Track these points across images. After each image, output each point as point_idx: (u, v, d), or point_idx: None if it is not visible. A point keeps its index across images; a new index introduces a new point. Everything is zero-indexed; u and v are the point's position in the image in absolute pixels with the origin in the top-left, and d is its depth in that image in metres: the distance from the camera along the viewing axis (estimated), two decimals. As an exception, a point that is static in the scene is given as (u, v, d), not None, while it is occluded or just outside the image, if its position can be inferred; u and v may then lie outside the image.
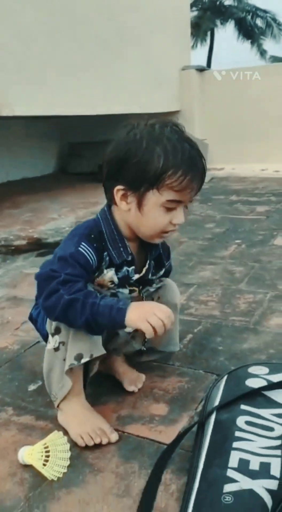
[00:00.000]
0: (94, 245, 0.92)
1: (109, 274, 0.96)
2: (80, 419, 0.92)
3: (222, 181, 4.08)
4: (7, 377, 1.17)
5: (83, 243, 0.91)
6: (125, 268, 0.97)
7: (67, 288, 0.86)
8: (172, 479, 0.79)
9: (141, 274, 1.01)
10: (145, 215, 0.91)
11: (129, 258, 0.97)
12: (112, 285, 0.97)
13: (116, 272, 0.97)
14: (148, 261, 1.02)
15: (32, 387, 1.11)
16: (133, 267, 0.98)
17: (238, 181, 3.95)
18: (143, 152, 0.87)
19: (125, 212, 0.93)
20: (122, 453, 0.86)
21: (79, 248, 0.90)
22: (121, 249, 0.95)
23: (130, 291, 1.01)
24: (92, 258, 0.92)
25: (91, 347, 0.90)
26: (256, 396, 0.87)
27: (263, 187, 3.62)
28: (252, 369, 0.99)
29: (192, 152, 0.89)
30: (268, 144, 4.24)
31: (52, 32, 2.86)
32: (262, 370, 0.99)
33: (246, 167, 4.35)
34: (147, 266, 1.01)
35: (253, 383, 0.92)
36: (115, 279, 0.97)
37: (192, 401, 1.00)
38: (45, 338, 1.00)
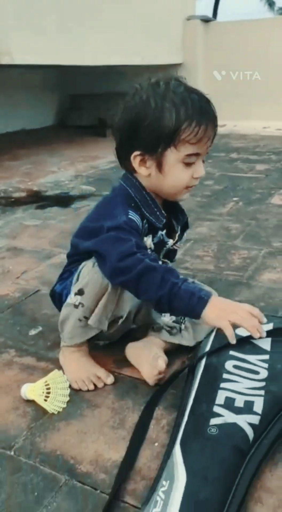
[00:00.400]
0: (138, 213, 0.92)
1: (148, 242, 0.97)
2: (78, 365, 0.97)
3: (223, 138, 4.04)
4: (9, 322, 1.22)
5: (130, 211, 0.90)
6: (160, 232, 0.98)
7: (144, 253, 0.84)
8: (163, 415, 0.85)
9: (175, 240, 1.02)
10: (166, 175, 0.90)
11: (165, 220, 0.97)
12: (151, 247, 0.97)
13: (153, 237, 0.97)
14: (177, 227, 1.02)
15: (33, 332, 1.17)
16: (165, 231, 0.99)
17: (239, 139, 3.91)
18: (153, 112, 0.86)
19: (146, 177, 0.92)
20: (118, 392, 0.93)
21: (130, 216, 0.90)
22: (158, 213, 0.95)
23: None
24: (141, 226, 0.92)
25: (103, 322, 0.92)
26: (245, 344, 0.92)
27: (264, 145, 3.60)
28: None
29: (202, 100, 0.88)
30: (272, 101, 4.17)
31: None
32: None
33: (248, 124, 4.29)
34: (178, 231, 1.02)
35: (242, 332, 0.97)
36: (152, 246, 0.97)
37: (184, 350, 1.05)
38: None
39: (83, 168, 3.03)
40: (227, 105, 4.39)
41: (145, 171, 0.91)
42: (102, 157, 3.32)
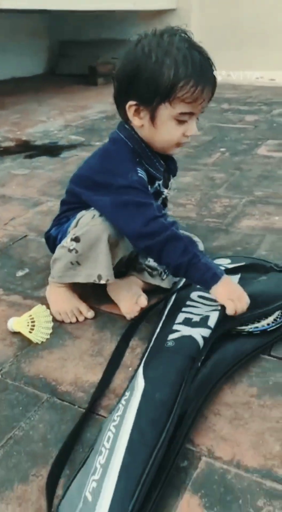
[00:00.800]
0: (143, 167, 0.95)
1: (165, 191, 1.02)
2: (62, 299, 1.04)
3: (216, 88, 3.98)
4: (-3, 264, 1.29)
5: (138, 169, 0.93)
6: (157, 183, 1.02)
7: (165, 218, 0.90)
8: (138, 344, 0.93)
9: (168, 189, 1.06)
10: (158, 129, 0.92)
11: (163, 169, 1.00)
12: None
13: (152, 185, 1.00)
14: (170, 176, 1.06)
15: (20, 273, 1.23)
16: (162, 180, 1.03)
17: (231, 89, 3.86)
18: (153, 65, 0.87)
19: (139, 128, 0.95)
20: (97, 325, 1.00)
21: (139, 174, 0.93)
22: (157, 164, 0.98)
23: None
24: (145, 179, 0.95)
25: (100, 272, 0.96)
26: None
27: (256, 96, 3.56)
28: (216, 261, 1.11)
29: (203, 61, 0.88)
30: (266, 51, 4.07)
31: None
32: (225, 261, 1.12)
33: (241, 74, 4.22)
34: (171, 179, 1.06)
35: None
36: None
37: (162, 291, 1.11)
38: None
39: (72, 118, 3.01)
40: (220, 54, 4.30)
41: (138, 122, 0.93)
42: (92, 107, 3.29)
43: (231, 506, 0.61)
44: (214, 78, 0.91)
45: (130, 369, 0.87)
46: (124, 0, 3.56)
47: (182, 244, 0.89)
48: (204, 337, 0.81)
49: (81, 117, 3.03)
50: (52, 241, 1.12)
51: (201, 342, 0.80)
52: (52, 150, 2.35)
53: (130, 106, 0.92)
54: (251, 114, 2.95)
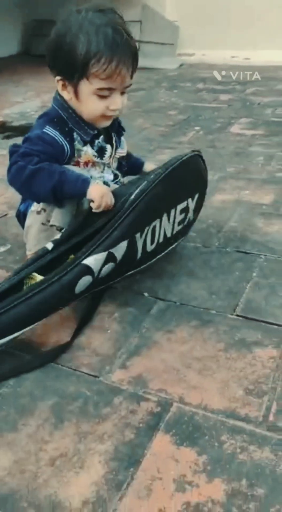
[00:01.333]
0: (58, 127, 1.00)
1: (89, 151, 1.06)
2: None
3: (191, 67, 4.02)
4: (-21, 241, 1.33)
5: (47, 126, 1.00)
6: (96, 141, 1.06)
7: (27, 161, 0.94)
8: (114, 308, 1.01)
9: (113, 145, 1.09)
10: (82, 103, 0.98)
11: (96, 132, 1.05)
12: (98, 159, 1.07)
13: (91, 147, 1.06)
14: (112, 134, 1.10)
15: (2, 249, 1.28)
16: (102, 136, 1.07)
17: (207, 68, 3.89)
18: (69, 41, 0.92)
19: (69, 100, 1.00)
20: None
21: (44, 130, 0.99)
22: (86, 127, 1.03)
23: (115, 177, 1.11)
24: (60, 139, 1.00)
25: (64, 220, 1.01)
26: None
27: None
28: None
29: (117, 37, 0.91)
30: (241, 30, 4.10)
31: None
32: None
33: (216, 54, 4.24)
34: (113, 137, 1.10)
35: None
36: (95, 153, 1.06)
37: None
38: None
39: (48, 98, 2.97)
40: (196, 33, 4.32)
41: (66, 95, 1.00)
42: (69, 87, 3.29)
43: (198, 441, 0.69)
44: (132, 53, 0.94)
45: (109, 331, 0.94)
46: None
47: (44, 171, 0.93)
48: None
49: (58, 97, 3.03)
50: (22, 218, 1.16)
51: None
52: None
53: (58, 80, 0.99)
54: (226, 93, 3.00)
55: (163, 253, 1.11)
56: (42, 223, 1.04)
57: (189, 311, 0.99)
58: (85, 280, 0.92)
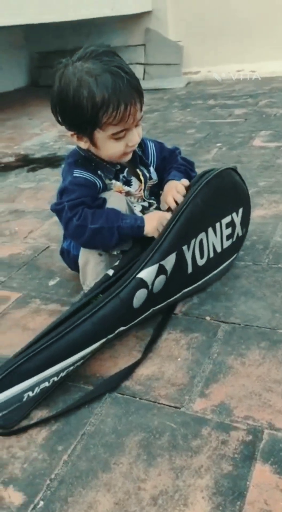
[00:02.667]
0: (84, 168, 1.04)
1: (117, 183, 1.10)
2: None
3: (199, 85, 4.06)
4: (27, 276, 1.33)
5: (75, 170, 1.04)
6: (121, 175, 1.10)
7: (78, 215, 0.99)
8: (181, 336, 1.00)
9: (142, 180, 1.12)
10: (101, 149, 1.01)
11: (119, 167, 1.08)
12: (127, 190, 1.11)
13: (117, 180, 1.10)
14: (138, 169, 1.12)
15: (52, 283, 1.28)
16: (126, 169, 1.10)
17: (214, 84, 3.94)
18: (73, 100, 0.94)
19: (87, 147, 1.03)
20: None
21: (74, 174, 1.03)
22: (108, 165, 1.07)
23: (149, 205, 1.14)
24: (91, 177, 1.04)
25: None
26: None
27: (240, 89, 3.64)
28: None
29: (117, 80, 0.92)
30: (245, 44, 4.15)
31: None
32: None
33: (222, 69, 4.29)
34: (139, 171, 1.12)
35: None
36: (124, 187, 1.10)
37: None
38: (74, 263, 1.15)
39: (64, 128, 3.05)
40: (199, 51, 4.39)
41: (83, 145, 1.03)
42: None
43: (301, 469, 0.68)
44: (135, 91, 0.95)
45: (179, 359, 0.93)
46: (102, 6, 3.62)
47: (104, 230, 0.99)
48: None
49: (74, 126, 3.07)
50: (66, 255, 1.21)
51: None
52: (53, 161, 2.40)
53: (72, 134, 1.03)
54: (239, 108, 3.02)
55: (218, 270, 1.13)
56: (99, 254, 1.05)
57: (255, 332, 0.98)
58: (141, 293, 0.95)
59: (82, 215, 1.00)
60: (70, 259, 1.20)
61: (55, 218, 1.69)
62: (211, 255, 1.09)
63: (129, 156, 1.07)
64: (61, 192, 1.04)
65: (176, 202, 1.03)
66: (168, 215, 1.02)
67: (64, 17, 3.31)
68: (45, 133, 3.00)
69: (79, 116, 0.95)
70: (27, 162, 2.44)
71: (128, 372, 0.91)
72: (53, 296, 1.22)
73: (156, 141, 1.21)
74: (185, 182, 1.06)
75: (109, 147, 1.01)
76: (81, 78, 0.93)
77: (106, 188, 1.08)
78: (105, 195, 1.07)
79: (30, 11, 2.85)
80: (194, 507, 0.64)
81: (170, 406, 0.82)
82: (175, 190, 1.05)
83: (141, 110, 1.00)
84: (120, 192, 1.11)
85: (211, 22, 4.22)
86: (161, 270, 0.98)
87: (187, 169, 1.17)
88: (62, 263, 1.36)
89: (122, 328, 0.96)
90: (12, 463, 0.75)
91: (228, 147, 2.26)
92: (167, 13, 4.27)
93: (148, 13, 4.25)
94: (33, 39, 4.71)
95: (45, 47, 4.70)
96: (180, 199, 1.03)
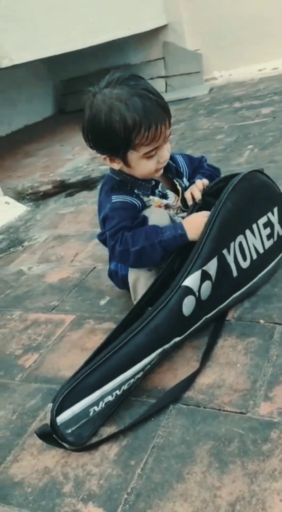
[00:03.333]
0: (121, 191, 1.09)
1: (155, 198, 1.13)
2: None
3: (222, 89, 4.06)
4: (78, 298, 1.37)
5: (112, 196, 1.08)
6: (156, 191, 1.14)
7: (119, 242, 1.04)
8: (238, 342, 1.00)
9: (179, 190, 1.15)
10: (134, 168, 1.06)
11: (153, 183, 1.12)
12: (166, 203, 1.15)
13: (154, 195, 1.13)
14: (174, 181, 1.16)
15: (103, 302, 1.32)
16: (160, 184, 1.14)
17: (238, 87, 3.93)
18: (104, 125, 0.98)
19: (120, 169, 1.08)
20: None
21: (112, 201, 1.07)
22: (143, 183, 1.11)
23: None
24: (129, 199, 1.09)
25: None
26: None
27: (264, 88, 3.62)
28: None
29: (145, 102, 0.96)
30: (263, 42, 4.13)
31: None
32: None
33: (243, 71, 4.28)
34: (176, 182, 1.16)
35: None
36: (162, 201, 1.14)
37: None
38: (123, 282, 1.19)
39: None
40: (218, 56, 4.40)
41: (116, 166, 1.07)
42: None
43: None
44: (163, 110, 1.00)
45: (238, 365, 0.94)
46: (119, 28, 3.70)
47: (146, 249, 1.01)
48: None
49: (104, 147, 3.14)
50: (115, 276, 1.25)
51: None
52: (89, 184, 2.47)
53: (104, 158, 1.06)
54: (266, 107, 3.00)
55: (264, 271, 1.13)
56: (148, 269, 1.08)
57: None
58: (189, 300, 0.97)
59: (123, 240, 1.04)
60: (118, 279, 1.23)
61: (96, 240, 1.74)
62: (254, 256, 1.10)
63: (161, 172, 1.11)
64: (103, 221, 1.09)
65: (193, 197, 1.09)
66: (205, 215, 1.04)
67: (84, 44, 3.41)
68: (78, 157, 3.08)
69: (112, 140, 0.99)
70: (64, 188, 2.52)
71: (188, 382, 0.92)
72: (106, 315, 1.25)
73: (183, 154, 1.25)
74: (205, 181, 1.11)
75: (142, 166, 1.05)
76: (112, 104, 0.97)
77: (145, 205, 1.12)
78: (146, 212, 1.10)
79: (51, 44, 2.96)
80: (273, 511, 0.65)
81: (236, 412, 0.82)
82: (194, 186, 1.11)
83: (170, 126, 1.04)
84: (160, 206, 1.14)
85: (226, 27, 4.22)
86: (205, 276, 0.99)
87: (211, 174, 1.21)
88: (110, 282, 1.41)
89: (177, 339, 0.97)
90: (88, 480, 0.77)
91: (260, 147, 2.25)
92: (183, 25, 4.32)
93: (163, 27, 4.31)
94: (55, 69, 4.87)
95: (67, 74, 4.85)
96: (197, 194, 1.09)
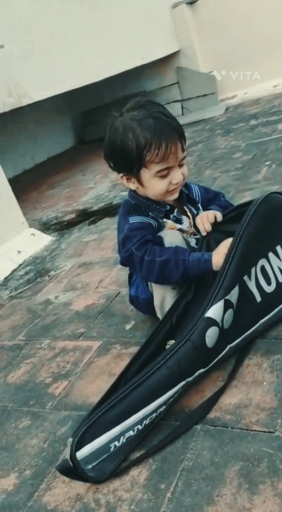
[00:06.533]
0: (137, 213, 1.13)
1: (169, 221, 1.16)
2: None
3: (237, 108, 4.10)
4: (104, 324, 1.40)
5: (129, 218, 1.12)
6: (171, 215, 1.17)
7: (148, 252, 1.06)
8: (263, 360, 1.00)
9: (190, 217, 1.18)
10: (147, 187, 1.10)
11: (168, 207, 1.16)
12: (179, 227, 1.17)
13: (168, 219, 1.16)
14: (185, 207, 1.19)
15: (128, 327, 1.34)
16: (176, 209, 1.17)
17: (253, 105, 3.96)
18: (120, 143, 1.05)
19: (136, 189, 1.13)
20: (218, 353, 1.07)
21: (130, 222, 1.11)
22: (157, 206, 1.15)
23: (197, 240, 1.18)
24: (145, 219, 1.12)
25: None
26: None
27: (280, 103, 3.64)
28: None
29: (158, 123, 1.03)
30: (276, 58, 4.18)
31: (45, 12, 2.94)
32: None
33: (258, 88, 4.32)
34: (187, 209, 1.19)
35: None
36: (176, 225, 1.17)
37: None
38: (146, 306, 1.23)
39: (116, 176, 3.17)
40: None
41: (132, 186, 1.13)
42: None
43: None
44: (176, 132, 1.05)
45: (264, 383, 0.93)
46: (133, 58, 3.82)
47: (171, 261, 1.03)
48: None
49: (124, 173, 3.21)
50: (136, 301, 1.27)
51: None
52: (110, 210, 2.52)
53: (121, 177, 1.12)
54: (282, 122, 3.02)
55: None
56: (172, 288, 1.10)
57: None
58: (212, 331, 0.96)
59: (152, 251, 1.06)
60: (140, 304, 1.25)
61: (120, 265, 1.78)
62: (280, 279, 1.08)
63: (175, 195, 1.14)
64: (123, 242, 1.12)
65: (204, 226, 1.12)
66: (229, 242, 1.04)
67: (100, 77, 3.53)
68: (99, 185, 3.15)
69: (127, 157, 1.05)
70: (87, 216, 2.57)
71: (213, 401, 0.92)
72: (132, 340, 1.26)
73: (199, 185, 1.28)
74: (218, 214, 1.13)
75: (154, 185, 1.09)
76: (127, 124, 1.05)
77: (160, 226, 1.15)
78: (162, 233, 1.13)
79: (68, 79, 3.07)
80: (306, 531, 0.64)
81: (264, 431, 0.82)
82: (206, 215, 1.13)
83: (183, 151, 1.08)
84: (173, 229, 1.16)
85: (238, 46, 4.29)
86: (227, 305, 0.98)
87: (227, 206, 1.23)
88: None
89: (202, 370, 0.96)
90: (120, 505, 0.78)
91: (278, 163, 2.25)
92: (195, 49, 4.41)
93: (176, 53, 4.41)
94: (74, 102, 5.03)
95: (85, 106, 5.00)
96: (207, 226, 1.11)
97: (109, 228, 2.25)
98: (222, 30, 4.32)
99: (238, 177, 2.27)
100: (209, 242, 1.12)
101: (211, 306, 0.96)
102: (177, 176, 1.09)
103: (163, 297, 1.13)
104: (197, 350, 0.94)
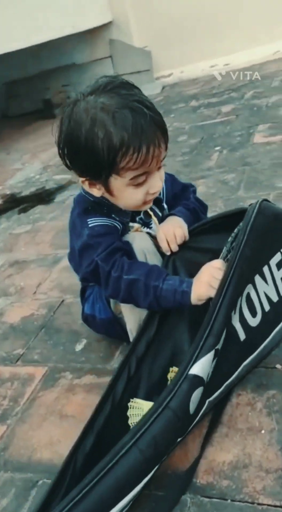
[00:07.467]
0: (97, 213, 0.89)
1: (135, 224, 0.94)
2: None
3: (174, 87, 3.91)
4: (48, 343, 1.15)
5: (88, 220, 0.88)
6: (137, 217, 0.94)
7: (115, 266, 0.83)
8: (255, 398, 0.82)
9: (156, 220, 0.96)
10: (118, 197, 0.85)
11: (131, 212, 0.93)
12: (145, 229, 0.95)
13: (134, 221, 0.94)
14: (154, 207, 0.97)
15: (79, 347, 1.10)
16: (142, 212, 0.94)
17: (191, 84, 3.79)
18: (85, 141, 0.78)
19: (101, 196, 0.87)
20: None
21: (90, 225, 0.87)
22: (122, 210, 0.91)
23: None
24: (108, 221, 0.89)
25: None
26: None
27: (219, 84, 3.49)
28: None
29: (137, 117, 0.76)
30: (213, 38, 4.00)
31: None
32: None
33: (194, 67, 4.15)
34: (151, 212, 0.96)
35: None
36: (142, 228, 0.95)
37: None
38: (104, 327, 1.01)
39: (47, 157, 2.88)
40: (168, 52, 4.24)
41: (97, 192, 0.86)
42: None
43: None
44: (159, 129, 0.79)
45: (262, 431, 0.75)
46: (63, 27, 3.47)
47: (140, 283, 0.82)
48: None
49: (56, 154, 2.90)
50: (91, 320, 1.04)
51: None
52: (44, 196, 2.23)
53: (83, 181, 0.86)
54: (226, 104, 2.86)
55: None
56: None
57: None
58: (198, 393, 0.72)
59: (120, 265, 0.83)
60: (97, 324, 1.03)
61: (63, 264, 1.52)
62: (266, 308, 0.87)
63: (149, 205, 0.90)
64: (83, 251, 0.87)
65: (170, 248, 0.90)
66: (218, 264, 0.82)
67: (27, 43, 3.15)
68: (28, 166, 2.81)
69: (93, 161, 0.79)
70: (16, 203, 2.25)
71: (198, 457, 0.72)
72: (85, 365, 1.03)
73: (166, 173, 1.00)
74: (186, 233, 0.91)
75: (127, 196, 0.84)
76: (96, 116, 0.77)
77: (126, 229, 0.92)
78: (128, 237, 0.90)
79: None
80: None
81: (276, 506, 0.64)
82: (173, 234, 0.90)
83: (166, 149, 0.82)
84: (140, 231, 0.94)
85: (174, 23, 4.08)
86: (216, 355, 0.75)
87: (196, 208, 1.00)
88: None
89: (179, 440, 0.72)
90: None
91: (229, 149, 2.09)
92: (129, 21, 4.13)
93: (108, 24, 4.10)
94: (-5, 71, 4.54)
95: (9, 76, 4.53)
96: (173, 246, 0.90)
97: (44, 218, 1.96)
98: (159, 4, 4.08)
99: (186, 163, 2.08)
100: (174, 261, 0.91)
101: (196, 359, 0.72)
102: (156, 185, 0.84)
103: (130, 312, 0.90)
104: (180, 421, 0.69)
